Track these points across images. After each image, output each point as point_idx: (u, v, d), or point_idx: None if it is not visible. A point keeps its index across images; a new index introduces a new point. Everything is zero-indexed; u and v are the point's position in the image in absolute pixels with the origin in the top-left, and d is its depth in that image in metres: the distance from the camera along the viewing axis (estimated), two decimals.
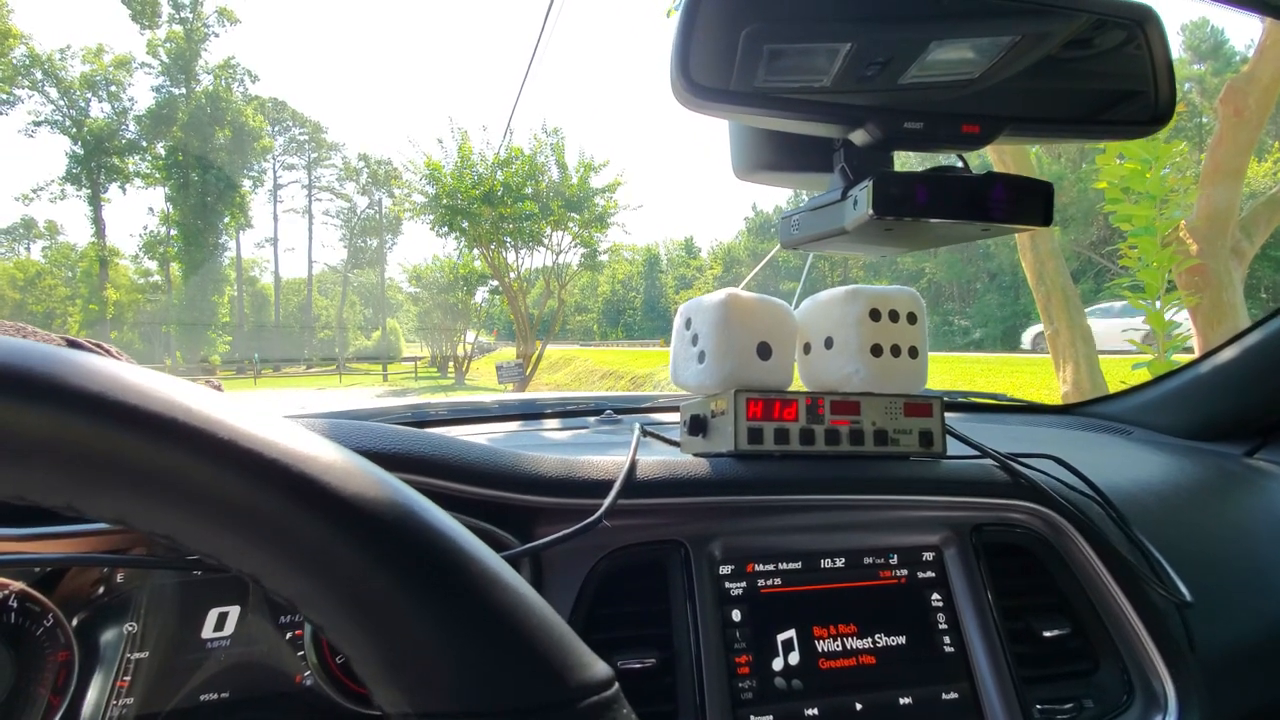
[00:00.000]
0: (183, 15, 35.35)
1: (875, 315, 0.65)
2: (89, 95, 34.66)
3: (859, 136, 0.48)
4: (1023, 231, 0.48)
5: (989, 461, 0.71)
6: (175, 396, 0.21)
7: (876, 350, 0.64)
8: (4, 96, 32.69)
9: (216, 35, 36.96)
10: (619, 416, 1.28)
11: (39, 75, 33.26)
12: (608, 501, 0.54)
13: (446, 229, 15.27)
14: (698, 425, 0.69)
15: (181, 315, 35.27)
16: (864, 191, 0.45)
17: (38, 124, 34.08)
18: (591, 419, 1.27)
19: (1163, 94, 0.54)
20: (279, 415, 0.24)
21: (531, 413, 1.33)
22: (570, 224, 15.06)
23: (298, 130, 42.65)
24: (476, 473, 0.55)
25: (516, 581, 0.25)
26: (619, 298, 54.81)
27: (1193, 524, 0.86)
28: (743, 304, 0.65)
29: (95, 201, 34.46)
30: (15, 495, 0.20)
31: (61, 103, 34.08)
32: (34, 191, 35.91)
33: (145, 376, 0.21)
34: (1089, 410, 1.44)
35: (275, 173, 43.10)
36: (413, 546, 0.22)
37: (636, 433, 0.66)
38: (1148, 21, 0.54)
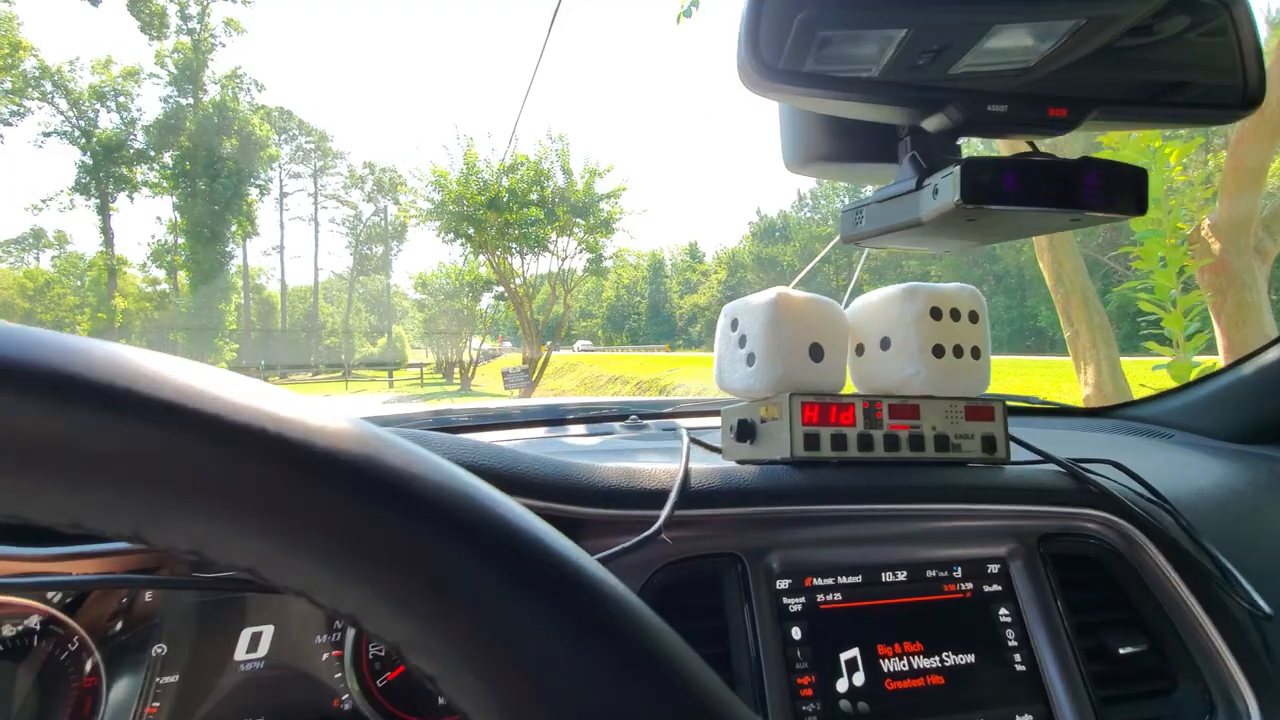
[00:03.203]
0: (190, 26, 35.62)
1: (936, 314, 0.61)
2: (98, 106, 34.94)
3: (934, 121, 0.45)
4: (1116, 221, 0.45)
5: (1053, 467, 0.68)
6: (262, 403, 0.18)
7: (938, 350, 0.61)
8: (15, 108, 32.95)
9: (223, 45, 37.21)
10: (645, 422, 1.25)
11: (49, 87, 33.54)
12: (665, 512, 0.51)
13: (452, 235, 15.29)
14: (746, 431, 0.65)
15: (189, 323, 35.39)
16: (948, 179, 0.42)
17: (47, 135, 34.36)
18: (617, 424, 1.24)
19: (1251, 76, 0.51)
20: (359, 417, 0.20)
21: (555, 418, 1.30)
22: (575, 229, 15.05)
23: (304, 139, 42.90)
24: (523, 482, 0.52)
25: (664, 624, 0.21)
26: (624, 303, 54.79)
27: (1255, 531, 0.82)
28: (793, 303, 0.62)
29: (104, 211, 34.69)
30: (72, 523, 0.16)
31: (71, 114, 34.36)
32: (43, 201, 36.15)
33: (224, 379, 0.18)
34: (1126, 413, 1.40)
35: (281, 181, 43.34)
36: (556, 581, 0.19)
37: (685, 440, 0.62)
38: (1234, 2, 0.51)
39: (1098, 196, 0.43)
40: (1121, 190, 0.44)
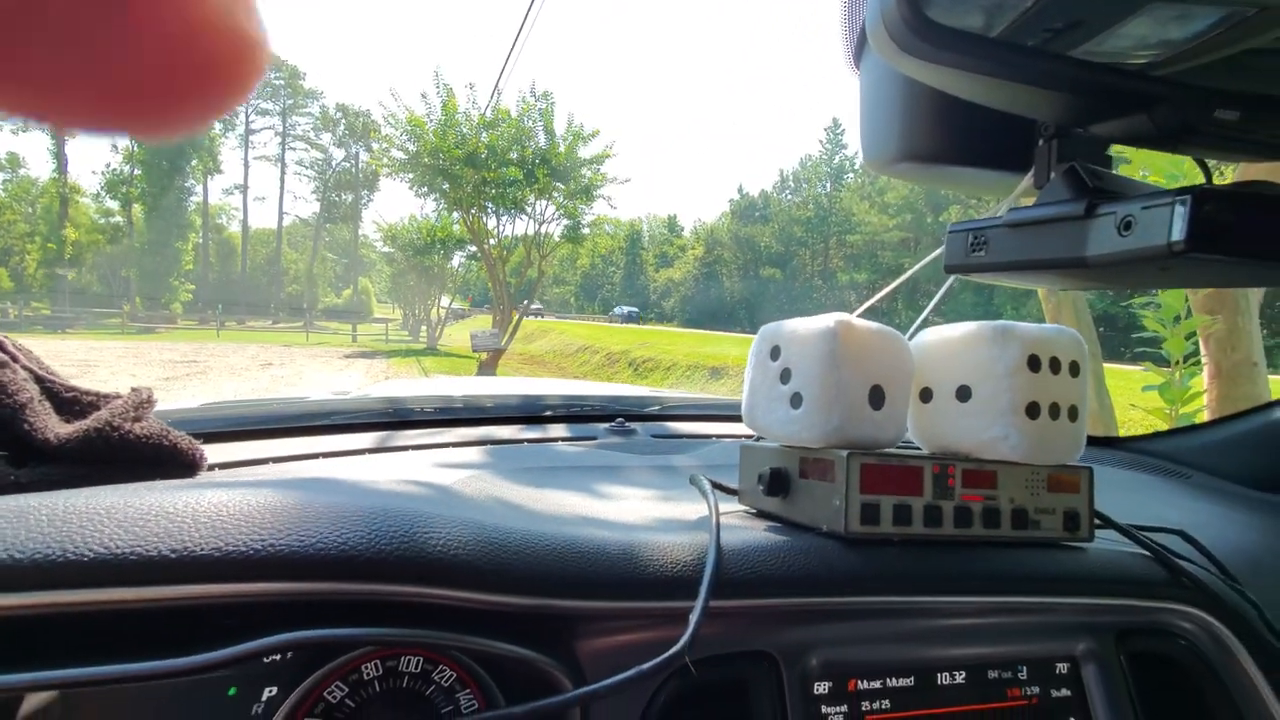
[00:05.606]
0: None
1: (1034, 364, 0.49)
2: None
3: (1118, 126, 0.33)
4: None
5: (1134, 549, 0.57)
6: None
7: (1033, 410, 0.49)
8: None
9: None
10: (631, 426, 1.13)
11: None
12: (692, 625, 0.39)
13: (426, 189, 14.76)
14: (779, 484, 0.53)
15: (143, 260, 33.85)
16: (1161, 212, 0.29)
17: None
18: (601, 425, 1.12)
19: None
20: None
21: (532, 415, 1.17)
22: (555, 193, 14.64)
23: (273, 74, 40.99)
24: (511, 577, 0.39)
25: None
26: (598, 272, 54.23)
27: None
28: (855, 336, 0.50)
29: (58, 135, 32.69)
30: None
31: None
32: None
33: None
34: (1138, 446, 1.32)
35: (248, 117, 41.50)
36: None
37: (712, 505, 0.50)
38: None
39: None
40: None
